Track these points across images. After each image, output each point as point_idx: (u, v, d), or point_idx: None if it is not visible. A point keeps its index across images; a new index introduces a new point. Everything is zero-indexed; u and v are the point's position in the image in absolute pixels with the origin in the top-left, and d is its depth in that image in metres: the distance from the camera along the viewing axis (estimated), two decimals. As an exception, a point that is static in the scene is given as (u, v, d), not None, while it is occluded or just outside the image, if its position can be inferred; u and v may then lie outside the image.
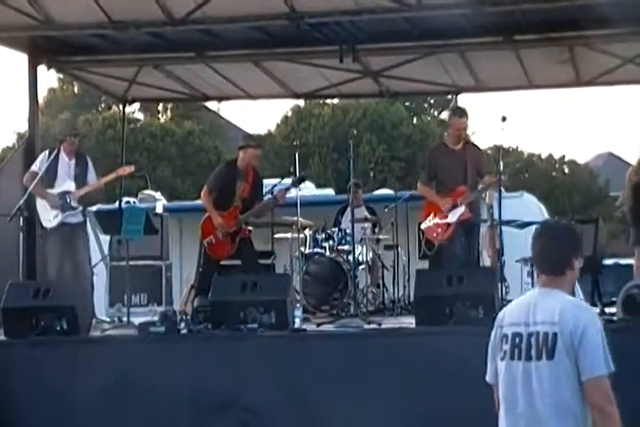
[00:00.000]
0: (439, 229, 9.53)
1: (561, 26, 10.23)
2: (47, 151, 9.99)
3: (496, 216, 10.09)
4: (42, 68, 11.72)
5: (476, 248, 9.77)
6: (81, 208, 9.86)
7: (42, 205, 9.88)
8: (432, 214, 9.61)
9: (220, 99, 13.59)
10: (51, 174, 9.87)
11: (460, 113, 9.72)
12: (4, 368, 7.77)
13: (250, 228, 10.26)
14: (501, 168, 9.45)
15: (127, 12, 10.23)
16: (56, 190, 9.83)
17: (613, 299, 8.88)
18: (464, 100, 24.21)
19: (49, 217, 9.82)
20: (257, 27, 10.61)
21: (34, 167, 9.98)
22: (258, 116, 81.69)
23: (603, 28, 10.15)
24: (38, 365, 7.76)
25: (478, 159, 9.77)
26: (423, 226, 9.77)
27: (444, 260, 9.56)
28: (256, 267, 10.16)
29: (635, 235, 9.64)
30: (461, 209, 9.46)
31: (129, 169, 10.22)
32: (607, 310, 9.27)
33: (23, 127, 12.22)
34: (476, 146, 10.20)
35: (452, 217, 9.46)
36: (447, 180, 9.62)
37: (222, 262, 10.21)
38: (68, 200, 9.79)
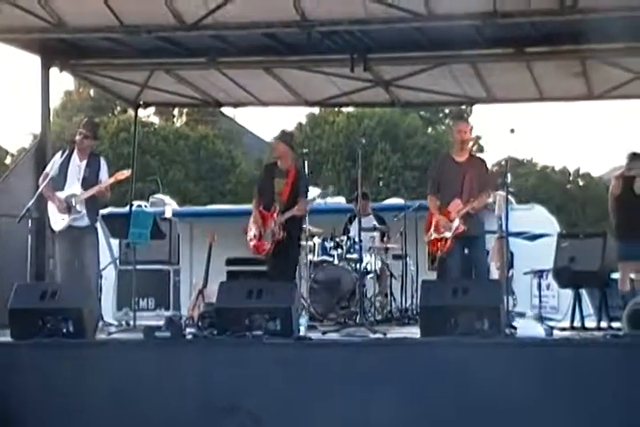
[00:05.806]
0: (438, 244, 9.61)
1: (572, 39, 10.19)
2: (60, 152, 9.99)
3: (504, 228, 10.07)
4: (55, 71, 11.77)
5: (481, 260, 9.74)
6: (84, 212, 9.78)
7: (51, 208, 9.90)
8: (432, 228, 9.69)
9: (231, 104, 13.59)
10: (61, 177, 9.87)
11: (460, 117, 9.74)
12: (9, 370, 7.77)
13: (282, 233, 10.15)
14: (509, 180, 9.46)
15: (139, 17, 10.24)
16: (64, 193, 9.83)
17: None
18: (476, 111, 24.07)
19: (57, 220, 9.84)
20: (268, 34, 10.62)
21: (47, 168, 9.99)
22: (274, 123, 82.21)
23: (614, 42, 10.14)
24: (43, 367, 7.76)
25: (481, 172, 9.74)
26: (425, 239, 9.85)
27: (443, 274, 9.59)
28: (278, 277, 9.89)
29: (620, 250, 9.60)
30: (455, 223, 9.49)
31: (126, 173, 10.06)
32: (614, 324, 9.25)
33: (39, 129, 12.22)
34: (481, 159, 10.20)
35: (447, 232, 9.52)
36: (447, 192, 9.66)
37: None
38: (73, 203, 9.80)
